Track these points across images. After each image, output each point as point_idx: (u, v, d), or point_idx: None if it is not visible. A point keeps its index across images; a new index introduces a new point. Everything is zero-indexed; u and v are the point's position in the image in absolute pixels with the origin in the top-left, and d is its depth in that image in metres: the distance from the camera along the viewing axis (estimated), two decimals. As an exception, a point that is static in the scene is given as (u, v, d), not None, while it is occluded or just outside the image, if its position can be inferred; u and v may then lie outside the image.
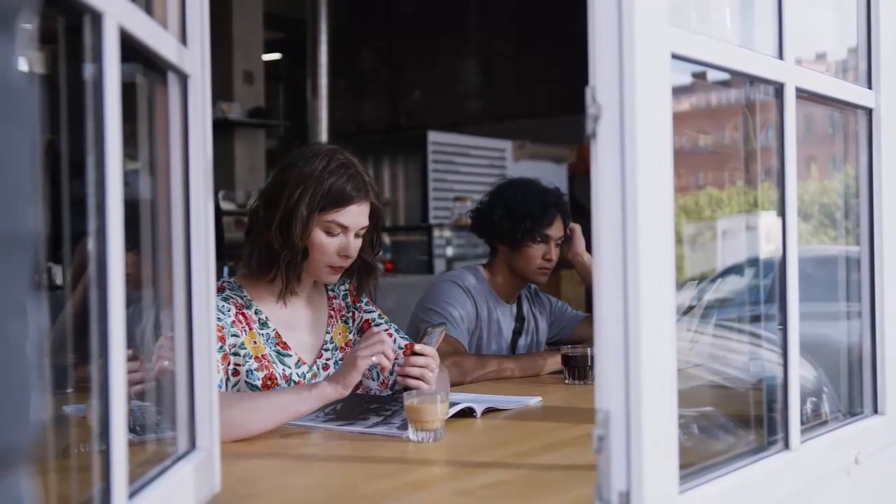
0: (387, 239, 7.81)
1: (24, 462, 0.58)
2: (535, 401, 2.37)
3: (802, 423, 1.56)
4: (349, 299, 2.44)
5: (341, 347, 2.37)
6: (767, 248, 1.97)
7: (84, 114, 1.03)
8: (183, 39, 1.35)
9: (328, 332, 2.36)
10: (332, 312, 2.39)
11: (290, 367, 2.23)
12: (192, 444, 1.38)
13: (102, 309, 1.01)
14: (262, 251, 2.21)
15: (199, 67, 1.39)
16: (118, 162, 1.03)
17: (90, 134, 1.02)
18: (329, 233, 2.20)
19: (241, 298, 2.23)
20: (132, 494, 1.10)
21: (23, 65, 0.58)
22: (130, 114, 1.15)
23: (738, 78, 1.62)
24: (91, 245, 1.03)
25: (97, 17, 1.00)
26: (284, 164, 2.26)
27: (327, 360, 2.33)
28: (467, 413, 2.13)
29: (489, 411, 2.20)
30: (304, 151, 2.27)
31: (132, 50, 1.12)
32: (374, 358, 1.99)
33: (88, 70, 1.02)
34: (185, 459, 1.34)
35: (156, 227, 1.38)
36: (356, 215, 2.22)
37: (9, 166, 0.56)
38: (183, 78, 1.35)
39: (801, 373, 1.58)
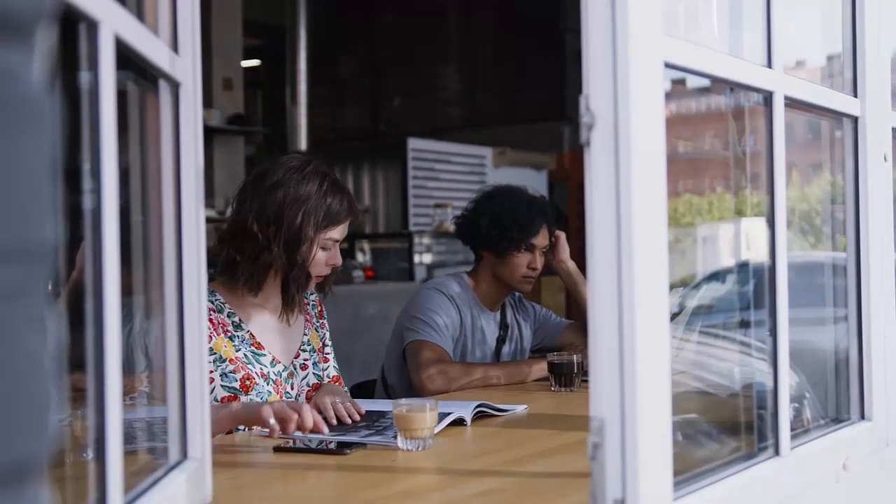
0: (367, 246, 7.80)
1: (43, 473, 0.58)
2: (521, 408, 2.37)
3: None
4: (316, 310, 2.53)
5: (318, 350, 2.47)
6: (749, 255, 1.98)
7: (77, 121, 1.03)
8: (175, 47, 1.35)
9: (305, 334, 2.44)
10: (308, 316, 2.48)
11: (266, 366, 2.30)
12: (184, 454, 1.37)
13: (98, 318, 1.00)
14: (262, 269, 2.27)
15: (191, 75, 1.38)
16: (113, 170, 1.03)
17: (85, 141, 1.01)
18: (324, 248, 2.31)
19: (212, 302, 2.26)
20: (126, 505, 1.09)
21: (42, 75, 0.58)
22: (121, 121, 1.15)
23: (719, 85, 1.62)
24: (86, 253, 1.02)
25: (93, 26, 0.99)
26: (271, 183, 2.27)
27: (305, 360, 2.42)
28: (457, 421, 2.12)
29: (480, 416, 2.20)
30: (286, 169, 2.30)
31: (124, 57, 1.12)
32: (272, 421, 1.93)
33: (83, 77, 1.02)
34: (177, 469, 1.33)
35: (146, 235, 1.37)
36: (346, 228, 2.36)
37: (28, 177, 0.55)
38: (175, 86, 1.35)
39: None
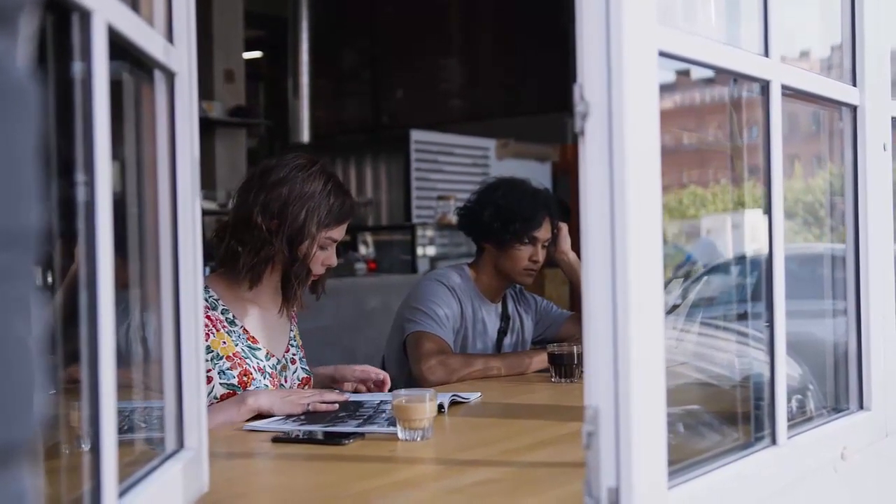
0: (369, 238, 7.81)
1: (27, 458, 0.58)
2: (475, 396, 2.40)
3: (788, 419, 1.57)
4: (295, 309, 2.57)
5: (301, 346, 2.52)
6: (752, 247, 1.98)
7: (71, 112, 1.03)
8: (169, 37, 1.35)
9: (291, 330, 2.49)
10: (293, 314, 2.52)
11: (261, 360, 2.33)
12: (181, 444, 1.37)
13: (92, 310, 1.01)
14: (263, 262, 2.30)
15: (186, 65, 1.38)
16: (107, 162, 1.03)
17: (78, 133, 1.01)
18: (322, 247, 2.35)
19: (206, 300, 2.27)
20: (121, 494, 1.10)
21: (25, 61, 0.58)
22: (116, 112, 1.15)
23: (723, 76, 1.62)
24: (80, 246, 1.02)
25: (86, 15, 0.99)
26: (277, 179, 2.31)
27: (293, 354, 2.47)
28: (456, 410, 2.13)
29: (454, 404, 2.25)
30: (292, 167, 2.33)
31: (119, 48, 1.12)
32: (309, 407, 2.16)
33: (76, 68, 1.02)
34: (173, 459, 1.33)
35: (142, 227, 1.37)
36: (344, 230, 2.40)
37: (13, 163, 0.56)
38: (170, 76, 1.35)
39: (786, 370, 1.58)
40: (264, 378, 2.31)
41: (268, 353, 2.36)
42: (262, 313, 2.40)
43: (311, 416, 2.12)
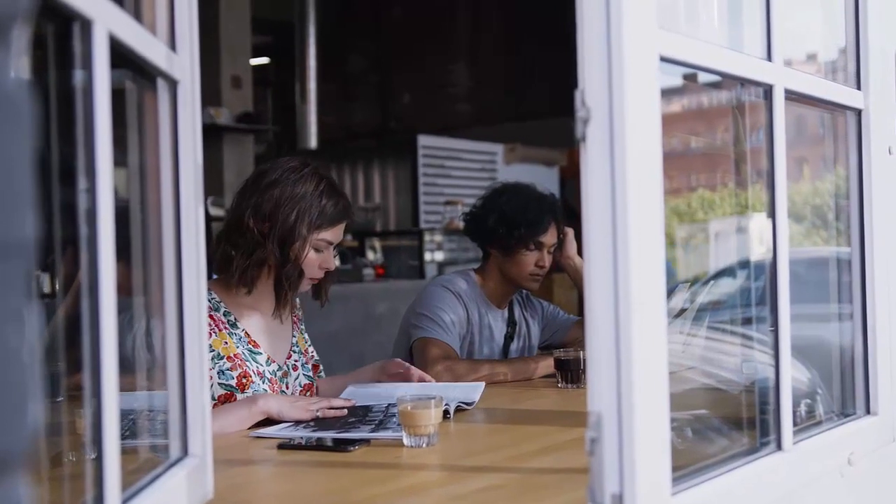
0: (377, 244, 7.80)
1: (22, 468, 0.58)
2: (479, 390, 2.41)
3: (796, 424, 1.56)
4: (300, 314, 2.58)
5: (304, 352, 2.51)
6: (760, 250, 1.97)
7: (73, 120, 1.03)
8: (172, 45, 1.35)
9: (294, 337, 2.49)
10: (295, 320, 2.52)
11: (262, 365, 2.34)
12: (185, 451, 1.37)
13: (94, 317, 1.01)
14: (255, 265, 2.30)
15: (189, 73, 1.38)
16: (108, 169, 1.03)
17: (80, 141, 1.02)
18: (317, 249, 2.34)
19: (209, 301, 2.28)
20: (125, 501, 1.10)
21: (19, 72, 0.58)
22: (119, 120, 1.15)
23: (729, 80, 1.62)
24: (82, 253, 1.02)
25: (87, 24, 1.00)
26: (269, 182, 2.32)
27: (295, 361, 2.47)
28: (461, 416, 2.13)
29: (459, 410, 2.24)
30: (284, 169, 2.34)
31: (121, 56, 1.12)
32: (318, 413, 2.15)
33: (77, 76, 1.02)
34: (177, 466, 1.33)
35: (146, 235, 1.37)
36: (341, 232, 2.39)
37: (6, 173, 0.56)
38: (172, 84, 1.35)
39: (794, 375, 1.58)
40: (263, 382, 2.31)
41: (269, 359, 2.36)
42: (264, 319, 2.40)
43: (320, 422, 2.11)
